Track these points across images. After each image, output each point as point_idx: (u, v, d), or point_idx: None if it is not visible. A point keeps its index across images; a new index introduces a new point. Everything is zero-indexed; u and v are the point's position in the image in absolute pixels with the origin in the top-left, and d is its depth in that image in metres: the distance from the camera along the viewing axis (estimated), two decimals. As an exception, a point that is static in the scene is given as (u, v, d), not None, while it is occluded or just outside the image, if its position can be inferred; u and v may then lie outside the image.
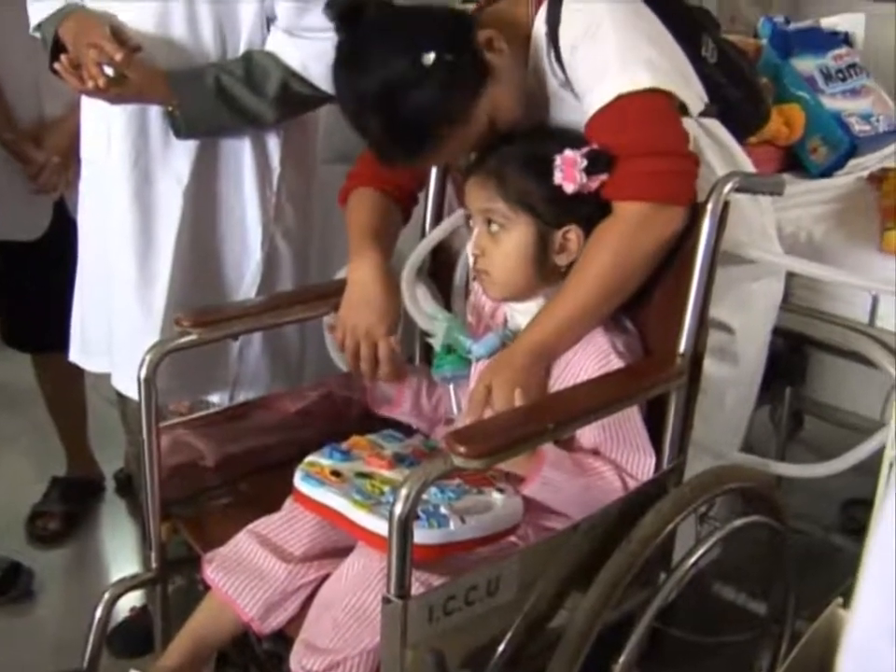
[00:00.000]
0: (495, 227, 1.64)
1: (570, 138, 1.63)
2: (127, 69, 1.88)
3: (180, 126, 2.00)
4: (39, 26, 2.07)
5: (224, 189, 2.10)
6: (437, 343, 1.77)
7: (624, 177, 1.59)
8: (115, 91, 1.90)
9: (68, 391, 2.87)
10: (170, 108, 1.98)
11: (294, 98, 2.02)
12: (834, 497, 2.69)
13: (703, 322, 1.61)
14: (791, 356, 2.40)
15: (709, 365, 1.68)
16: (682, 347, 1.60)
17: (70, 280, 2.28)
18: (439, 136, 1.63)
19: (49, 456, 3.01)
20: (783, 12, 4.46)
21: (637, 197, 1.58)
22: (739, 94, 1.90)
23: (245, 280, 2.14)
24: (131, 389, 1.97)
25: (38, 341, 2.77)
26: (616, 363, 1.59)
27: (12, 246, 2.63)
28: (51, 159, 2.54)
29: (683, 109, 1.67)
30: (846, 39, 2.86)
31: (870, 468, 1.71)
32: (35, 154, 2.53)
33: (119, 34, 1.90)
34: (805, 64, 2.70)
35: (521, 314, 1.69)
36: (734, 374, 1.84)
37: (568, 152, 1.58)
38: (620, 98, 1.59)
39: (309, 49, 1.98)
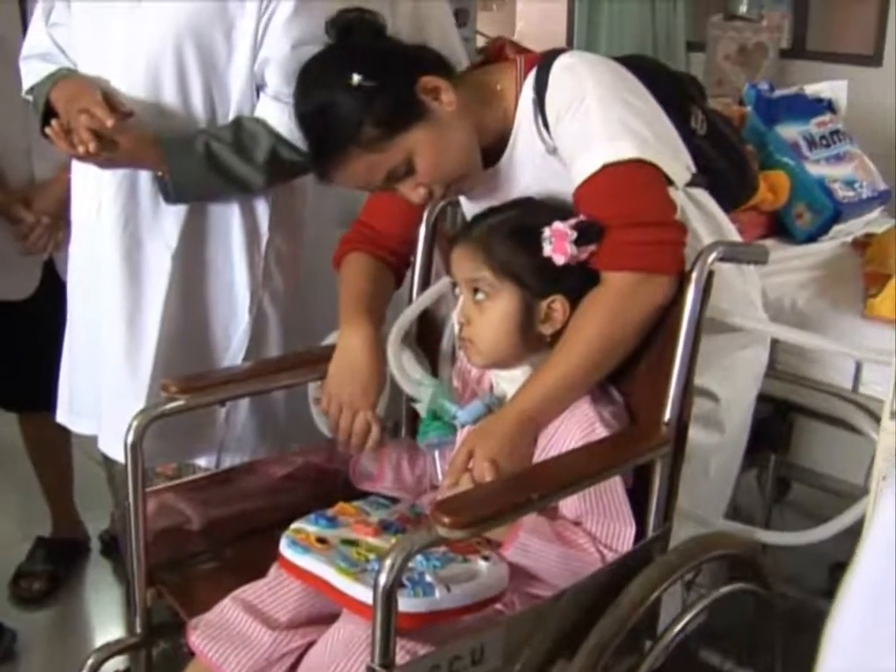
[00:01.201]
0: (480, 296, 1.65)
1: (557, 209, 1.65)
2: (118, 135, 1.90)
3: (170, 192, 2.01)
4: (31, 89, 2.10)
5: (213, 254, 2.11)
6: (422, 408, 1.77)
7: (613, 247, 1.61)
8: (105, 157, 1.92)
9: (55, 451, 2.86)
10: (160, 174, 2.00)
11: (283, 164, 2.05)
12: (822, 561, 2.68)
13: (688, 390, 1.62)
14: (776, 422, 2.41)
15: (694, 433, 1.69)
16: (667, 416, 1.61)
17: (58, 340, 2.28)
18: (347, 155, 1.66)
19: (35, 516, 3.00)
20: (769, 76, 4.55)
21: (626, 267, 1.59)
22: (727, 165, 1.93)
23: (233, 344, 2.15)
24: (117, 453, 1.97)
25: (25, 400, 2.77)
26: (602, 432, 1.59)
27: (0, 306, 2.64)
28: (41, 220, 2.55)
29: (669, 181, 1.69)
30: (829, 106, 2.90)
31: (858, 531, 1.71)
32: (25, 215, 2.54)
33: (110, 99, 1.92)
34: (790, 131, 2.74)
35: (506, 381, 1.70)
36: (718, 442, 1.85)
37: (558, 224, 1.60)
38: (605, 168, 1.61)
39: None
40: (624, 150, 1.61)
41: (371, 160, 1.66)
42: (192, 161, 2.00)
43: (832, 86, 2.98)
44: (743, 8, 5.13)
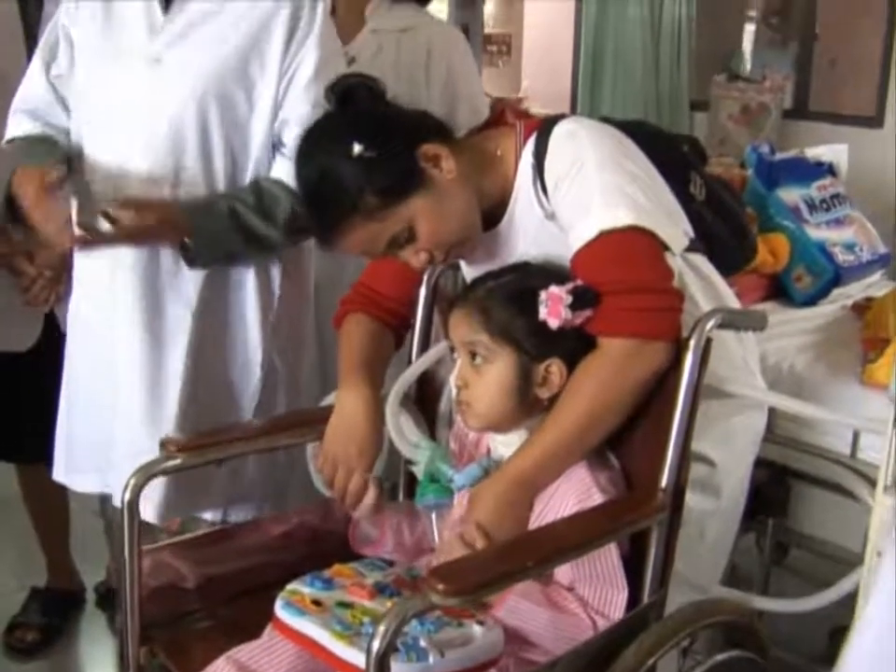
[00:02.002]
0: (478, 359, 1.66)
1: (555, 273, 1.66)
2: (142, 210, 1.92)
3: (195, 257, 2.02)
4: (12, 140, 2.12)
5: (230, 311, 2.13)
6: (420, 471, 1.78)
7: (609, 313, 1.61)
8: (124, 232, 1.95)
9: (52, 502, 2.85)
10: (185, 240, 2.01)
11: (302, 223, 2.06)
12: (821, 625, 2.66)
13: (685, 457, 1.62)
14: (774, 487, 2.40)
15: (690, 498, 1.68)
16: (664, 482, 1.61)
17: (58, 393, 2.28)
18: (350, 225, 1.67)
19: (31, 566, 2.99)
20: (771, 136, 4.59)
21: (622, 333, 1.60)
22: (726, 231, 1.94)
23: (245, 400, 2.17)
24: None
25: (23, 452, 2.76)
26: (598, 498, 1.59)
27: (0, 357, 2.64)
28: (43, 273, 2.54)
29: (666, 247, 1.70)
30: (830, 170, 2.92)
31: (856, 597, 1.71)
32: (27, 268, 2.54)
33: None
34: (790, 195, 2.76)
35: (503, 445, 1.71)
36: (715, 507, 1.85)
37: (553, 288, 1.61)
38: (602, 235, 1.63)
39: None
40: (622, 217, 1.63)
41: (373, 228, 1.68)
42: (217, 225, 2.01)
43: (832, 149, 3.01)
44: (746, 68, 5.18)
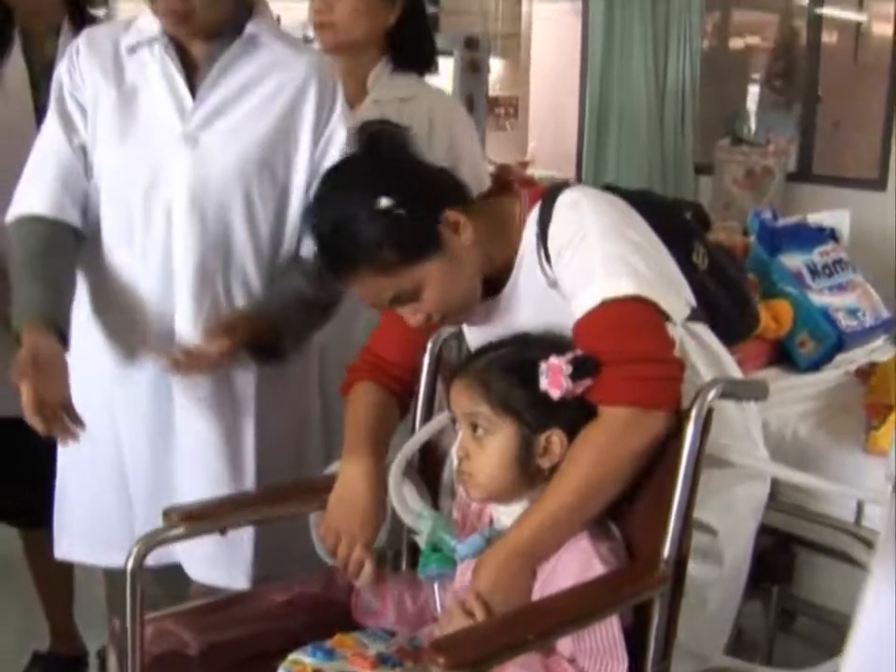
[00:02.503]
0: (479, 431, 1.66)
1: (554, 344, 1.67)
2: (231, 334, 1.94)
3: (283, 353, 2.04)
4: (19, 223, 2.05)
5: (290, 371, 2.15)
6: (422, 541, 1.78)
7: (609, 382, 1.62)
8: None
9: (56, 566, 2.83)
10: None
11: None
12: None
13: (687, 527, 1.62)
14: (778, 554, 2.40)
15: (692, 567, 1.68)
16: (666, 553, 1.60)
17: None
18: (359, 275, 1.70)
19: (34, 629, 2.97)
20: (775, 200, 4.62)
21: (622, 402, 1.60)
22: (728, 301, 1.95)
23: (310, 456, 2.21)
24: (213, 577, 2.09)
25: (26, 516, 2.75)
26: (599, 569, 1.59)
27: (4, 421, 2.57)
28: None
29: (668, 317, 1.71)
30: (832, 235, 2.95)
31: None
32: None
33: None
34: (793, 260, 2.78)
35: (506, 515, 1.70)
36: (717, 576, 1.84)
37: (553, 359, 1.62)
38: (604, 304, 1.64)
39: None
40: (624, 287, 1.64)
41: (382, 282, 1.70)
42: (294, 316, 2.04)
43: (834, 215, 3.04)
44: (750, 131, 5.23)
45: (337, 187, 1.75)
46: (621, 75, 5.47)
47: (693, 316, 1.81)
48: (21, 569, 2.92)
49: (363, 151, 1.76)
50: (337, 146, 2.06)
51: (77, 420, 1.91)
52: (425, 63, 2.63)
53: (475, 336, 1.89)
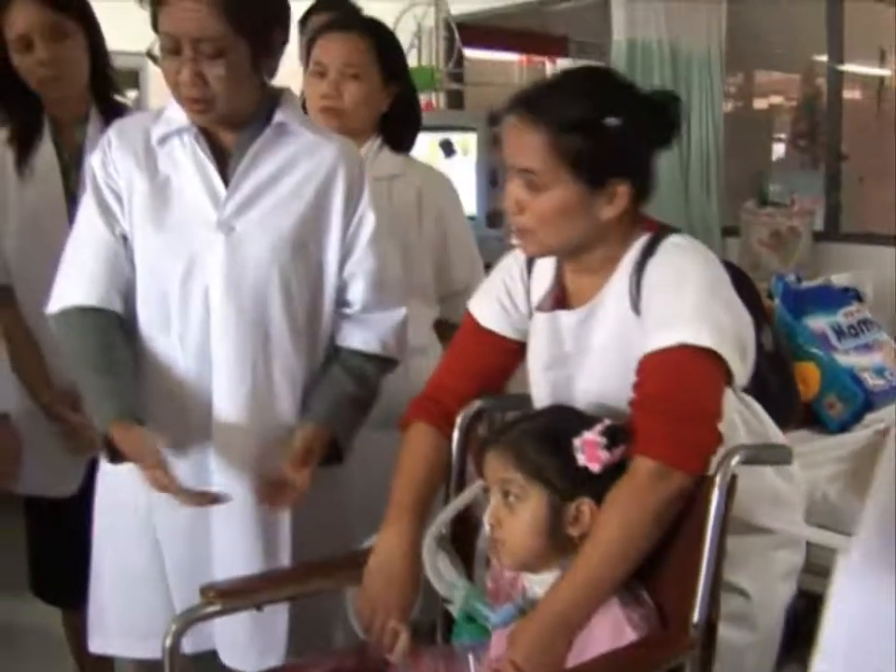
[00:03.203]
0: (511, 498, 1.70)
1: (583, 416, 1.73)
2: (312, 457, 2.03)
3: (344, 452, 2.11)
4: (64, 314, 2.08)
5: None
6: (456, 610, 1.80)
7: (647, 430, 1.66)
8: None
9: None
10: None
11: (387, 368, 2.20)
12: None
13: (715, 591, 1.64)
14: (814, 617, 2.39)
15: (725, 630, 1.69)
16: (696, 618, 1.62)
17: None
18: (536, 125, 1.73)
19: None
20: (803, 260, 4.62)
21: (651, 453, 1.64)
22: (777, 384, 1.98)
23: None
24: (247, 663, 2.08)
25: (66, 596, 2.72)
26: (631, 636, 1.60)
27: (43, 502, 2.65)
28: (88, 421, 2.38)
29: (730, 381, 1.74)
30: (856, 296, 2.97)
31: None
32: (72, 416, 2.52)
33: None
34: (818, 322, 2.80)
35: (538, 584, 1.73)
36: (751, 640, 1.85)
37: (587, 434, 1.66)
38: (680, 347, 1.67)
39: (384, 326, 2.15)
40: (704, 338, 1.67)
41: (537, 145, 1.73)
42: (348, 421, 2.11)
43: (858, 275, 3.06)
44: (775, 192, 5.24)
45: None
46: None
47: (745, 389, 1.85)
48: (63, 649, 2.91)
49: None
50: (367, 227, 2.11)
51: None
52: (411, 142, 2.69)
53: (541, 348, 1.92)
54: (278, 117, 2.07)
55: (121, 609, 2.19)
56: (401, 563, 1.85)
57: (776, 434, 1.91)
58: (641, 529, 1.65)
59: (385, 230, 2.19)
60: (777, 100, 7.25)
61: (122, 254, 2.08)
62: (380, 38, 2.56)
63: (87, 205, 2.11)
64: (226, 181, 2.06)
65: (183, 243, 2.05)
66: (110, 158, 2.09)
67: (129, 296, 2.10)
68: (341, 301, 2.14)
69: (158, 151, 2.08)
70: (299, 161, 2.08)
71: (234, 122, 2.05)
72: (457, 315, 2.18)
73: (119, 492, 2.10)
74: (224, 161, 2.07)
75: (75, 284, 2.08)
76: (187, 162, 2.06)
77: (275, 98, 2.09)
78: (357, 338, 2.14)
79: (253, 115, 2.06)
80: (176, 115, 2.06)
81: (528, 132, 1.74)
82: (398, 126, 2.60)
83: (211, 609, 1.79)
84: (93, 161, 2.12)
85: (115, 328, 2.07)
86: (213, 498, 1.95)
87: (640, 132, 1.76)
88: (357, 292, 2.13)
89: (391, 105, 2.59)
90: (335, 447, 2.09)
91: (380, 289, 2.14)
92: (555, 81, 1.85)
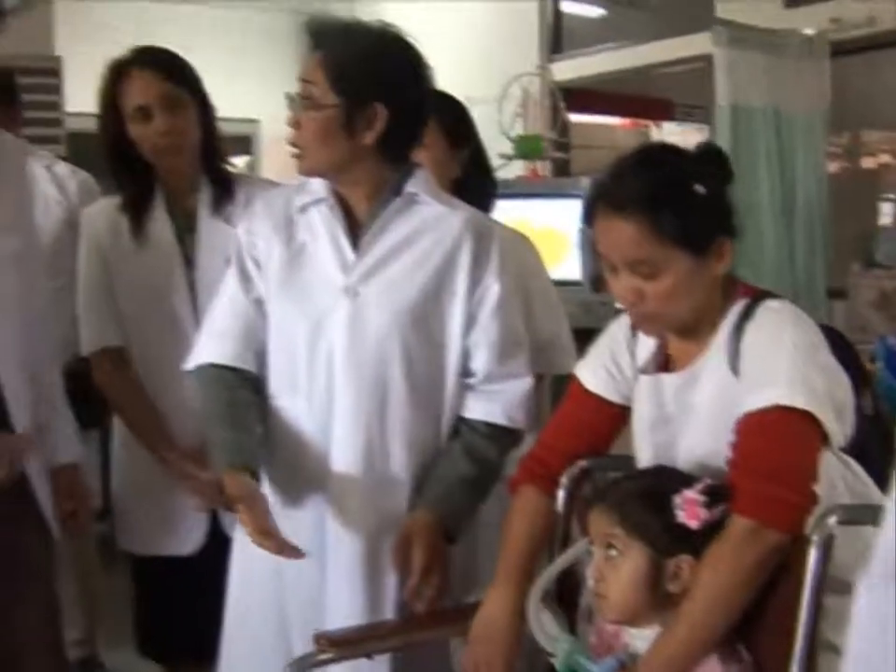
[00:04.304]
0: (613, 552, 1.76)
1: (684, 477, 1.79)
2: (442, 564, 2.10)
3: (457, 537, 2.16)
4: (198, 372, 2.22)
5: None
6: (559, 664, 1.86)
7: (742, 490, 1.71)
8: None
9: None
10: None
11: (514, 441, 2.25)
12: None
13: (813, 650, 1.66)
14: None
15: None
16: (794, 675, 1.66)
17: (220, 596, 2.27)
18: (627, 218, 1.78)
19: None
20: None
21: (745, 513, 1.69)
22: (881, 448, 2.00)
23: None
24: None
25: (174, 655, 2.74)
26: (730, 692, 1.65)
27: (160, 560, 2.66)
28: (215, 478, 2.37)
29: (825, 441, 1.77)
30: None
31: None
32: (198, 473, 2.52)
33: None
34: (924, 383, 2.79)
35: (639, 640, 1.78)
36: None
37: (688, 493, 1.72)
38: (776, 408, 1.72)
39: (508, 397, 2.19)
40: (799, 401, 1.71)
41: (638, 239, 1.78)
42: (463, 507, 2.17)
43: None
44: (884, 251, 5.19)
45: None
46: (748, 200, 5.49)
47: (846, 451, 1.88)
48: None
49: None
50: (492, 297, 2.17)
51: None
52: (489, 203, 2.75)
53: (645, 411, 1.97)
54: (409, 188, 2.16)
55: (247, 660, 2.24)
56: (506, 623, 1.94)
57: (878, 494, 1.93)
58: (737, 587, 1.69)
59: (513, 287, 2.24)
60: (885, 158, 7.19)
61: (257, 316, 2.21)
62: (439, 104, 2.59)
63: (230, 271, 2.24)
64: (357, 248, 2.15)
65: (311, 306, 2.15)
66: (254, 226, 2.22)
67: (262, 356, 2.22)
68: (465, 371, 2.19)
69: (298, 219, 2.20)
70: (426, 230, 2.16)
71: (369, 193, 2.16)
72: (548, 368, 2.23)
73: (254, 560, 2.16)
74: (357, 230, 2.17)
75: (210, 343, 2.22)
76: (322, 229, 2.17)
77: (409, 170, 2.19)
78: (481, 409, 2.19)
79: (386, 186, 2.16)
80: (318, 186, 2.18)
81: (620, 224, 1.80)
82: (472, 190, 2.64)
83: (324, 656, 1.88)
84: (239, 230, 2.26)
85: (245, 385, 2.19)
86: (292, 549, 1.97)
87: (712, 184, 1.83)
88: (481, 362, 2.18)
89: (463, 170, 2.68)
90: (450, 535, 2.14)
91: (504, 359, 2.19)
92: (622, 168, 1.87)
